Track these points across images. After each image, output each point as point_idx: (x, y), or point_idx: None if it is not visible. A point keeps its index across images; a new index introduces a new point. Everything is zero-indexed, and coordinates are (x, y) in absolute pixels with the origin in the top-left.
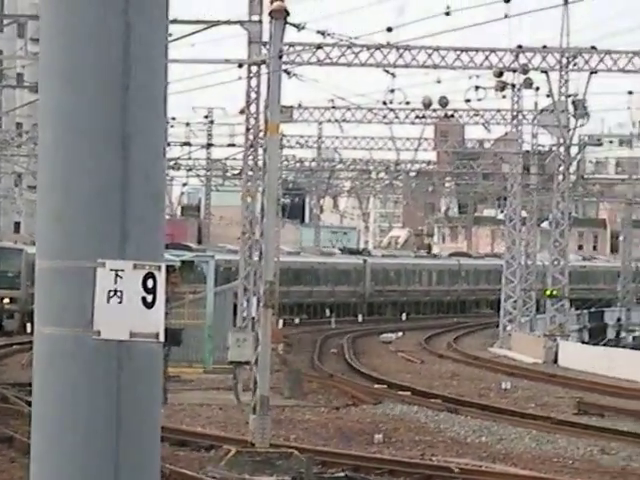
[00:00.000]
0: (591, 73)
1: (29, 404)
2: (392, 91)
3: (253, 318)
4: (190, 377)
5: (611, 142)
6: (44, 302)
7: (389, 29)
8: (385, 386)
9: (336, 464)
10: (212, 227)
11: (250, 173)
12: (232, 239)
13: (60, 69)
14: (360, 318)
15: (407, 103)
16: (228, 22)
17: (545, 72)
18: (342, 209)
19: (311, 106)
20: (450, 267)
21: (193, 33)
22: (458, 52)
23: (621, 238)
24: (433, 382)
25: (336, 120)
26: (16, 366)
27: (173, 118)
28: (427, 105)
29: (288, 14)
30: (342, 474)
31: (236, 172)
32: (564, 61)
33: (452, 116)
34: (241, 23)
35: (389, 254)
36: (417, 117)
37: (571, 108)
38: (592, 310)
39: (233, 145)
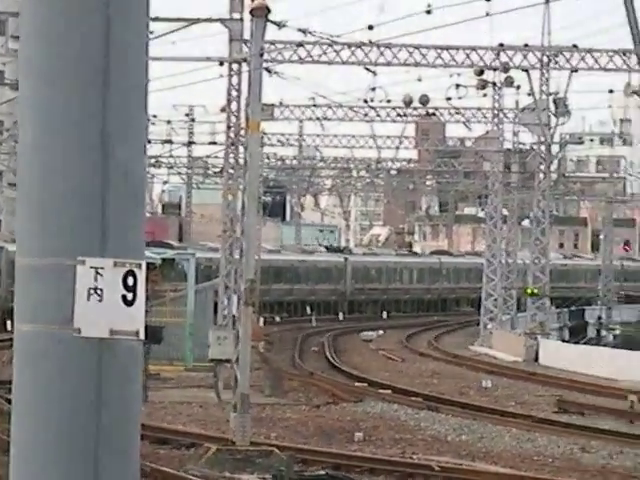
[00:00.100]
0: (572, 71)
1: (9, 402)
2: (373, 89)
3: (234, 316)
4: (171, 375)
5: (592, 140)
6: (24, 299)
7: (370, 27)
8: (366, 384)
9: (317, 462)
10: (193, 225)
11: (231, 171)
12: (213, 237)
13: (40, 67)
14: (341, 316)
15: (388, 101)
16: (209, 20)
17: (526, 70)
18: (323, 207)
19: (292, 104)
20: (431, 265)
21: (174, 31)
22: (439, 50)
23: (602, 236)
24: (414, 380)
25: (317, 118)
26: None
27: (154, 116)
28: (408, 103)
29: (269, 12)
30: (323, 472)
31: (217, 170)
32: (545, 59)
33: (433, 114)
34: (222, 21)
35: (370, 252)
36: (398, 115)
37: (552, 106)
38: (573, 308)
39: (214, 143)
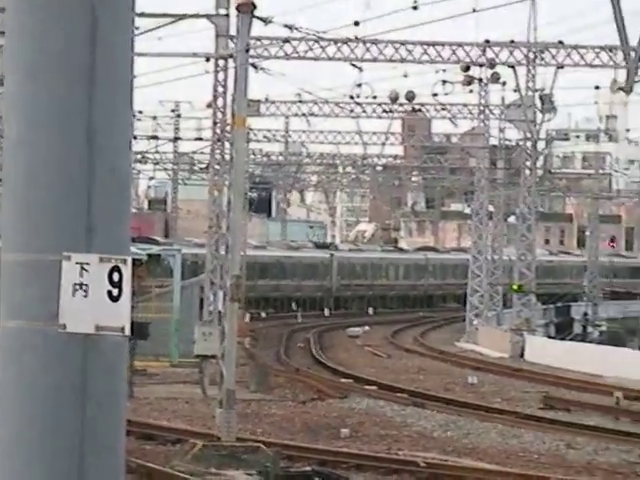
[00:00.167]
0: (558, 68)
1: None
2: (359, 85)
3: (219, 312)
4: (156, 371)
5: (578, 137)
6: (9, 295)
7: (356, 23)
8: (351, 380)
9: (302, 458)
10: (179, 221)
11: (217, 167)
12: (199, 233)
13: (25, 62)
14: (327, 312)
15: (374, 97)
16: (195, 15)
17: (512, 67)
18: (309, 203)
19: (278, 100)
20: (417, 261)
21: (160, 26)
22: (425, 46)
23: (588, 233)
24: (399, 376)
25: (303, 114)
26: None
27: (140, 112)
28: (394, 99)
29: (255, 8)
30: (309, 468)
31: (203, 166)
32: (531, 56)
33: (419, 110)
34: (208, 17)
35: (356, 248)
36: (384, 111)
37: (538, 103)
38: (559, 305)
39: (200, 139)
